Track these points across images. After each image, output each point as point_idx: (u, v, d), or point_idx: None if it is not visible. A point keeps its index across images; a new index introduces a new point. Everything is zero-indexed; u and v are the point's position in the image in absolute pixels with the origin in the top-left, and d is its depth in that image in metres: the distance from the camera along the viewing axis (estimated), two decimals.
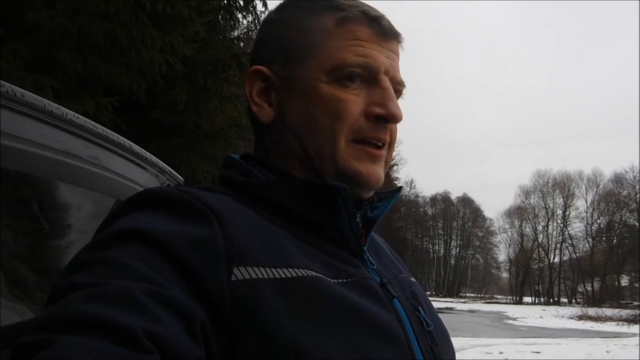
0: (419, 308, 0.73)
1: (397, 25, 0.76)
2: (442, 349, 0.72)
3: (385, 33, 0.72)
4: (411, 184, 68.46)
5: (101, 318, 0.46)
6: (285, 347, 0.55)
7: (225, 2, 7.86)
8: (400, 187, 0.84)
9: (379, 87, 0.71)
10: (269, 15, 0.80)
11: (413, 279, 0.83)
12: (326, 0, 0.74)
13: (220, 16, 7.73)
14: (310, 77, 0.71)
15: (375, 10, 0.73)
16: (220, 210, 0.61)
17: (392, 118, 0.71)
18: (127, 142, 1.47)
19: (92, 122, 1.31)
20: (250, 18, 8.17)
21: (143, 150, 1.57)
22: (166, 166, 1.73)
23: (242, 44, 8.16)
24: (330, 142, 0.70)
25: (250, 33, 8.38)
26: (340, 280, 0.64)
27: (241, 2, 8.03)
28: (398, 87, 0.74)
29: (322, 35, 0.71)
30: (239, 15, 8.15)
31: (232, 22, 8.16)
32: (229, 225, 0.60)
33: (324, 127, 0.70)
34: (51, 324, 0.46)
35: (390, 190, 0.80)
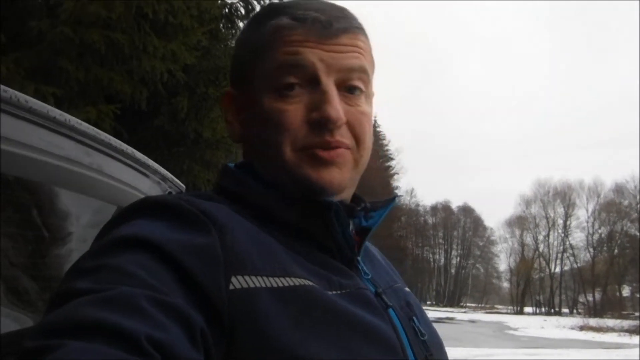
0: (414, 317, 0.73)
1: (367, 20, 0.74)
2: (437, 358, 0.72)
3: (324, 31, 0.68)
4: (412, 193, 68.55)
5: (105, 323, 0.46)
6: (283, 355, 0.55)
7: (227, 10, 7.91)
8: (395, 197, 0.84)
9: (319, 90, 0.68)
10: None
11: (407, 289, 0.83)
12: (269, 9, 0.73)
13: (221, 25, 7.78)
14: (257, 92, 0.72)
15: (317, 9, 0.70)
16: (218, 219, 0.61)
17: (327, 121, 0.67)
18: (130, 149, 1.46)
19: (95, 129, 1.30)
20: None
21: (145, 157, 1.56)
22: (168, 173, 1.72)
23: None
24: (275, 154, 0.69)
25: None
26: (335, 292, 0.64)
27: (242, 11, 8.09)
28: (351, 75, 0.70)
29: (262, 46, 0.71)
30: (241, 24, 8.20)
31: (234, 31, 8.21)
32: (226, 234, 0.60)
33: (269, 141, 0.70)
34: (55, 328, 0.46)
35: (386, 200, 0.80)
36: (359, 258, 0.74)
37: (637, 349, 17.73)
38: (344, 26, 0.70)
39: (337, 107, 0.67)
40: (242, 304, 0.56)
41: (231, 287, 0.56)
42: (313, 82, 0.69)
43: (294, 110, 0.68)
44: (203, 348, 0.52)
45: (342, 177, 0.70)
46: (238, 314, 0.55)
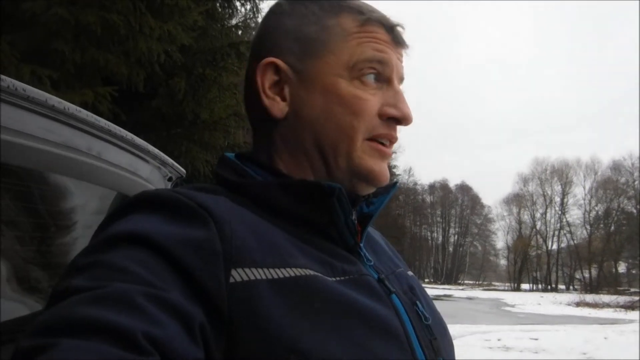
0: (417, 302, 0.74)
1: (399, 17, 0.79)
2: (441, 342, 0.72)
3: (398, 40, 0.75)
4: (409, 172, 68.75)
5: (101, 321, 0.46)
6: (284, 347, 0.55)
7: None
8: (396, 182, 0.84)
9: (392, 89, 0.74)
10: (280, 5, 0.77)
11: (410, 273, 0.84)
12: (345, 1, 0.76)
13: (218, 4, 7.67)
14: (330, 73, 0.71)
15: (391, 19, 0.78)
16: (216, 211, 0.61)
17: (405, 120, 0.74)
18: (130, 135, 1.46)
19: (94, 116, 1.30)
20: (248, 6, 8.13)
21: (145, 142, 1.56)
22: (168, 158, 1.72)
23: (240, 32, 8.11)
24: (348, 138, 0.71)
25: (248, 21, 8.33)
26: (337, 278, 0.65)
27: None
28: (401, 84, 0.78)
29: (344, 33, 0.73)
30: (237, 4, 8.09)
31: (231, 11, 8.10)
32: (225, 226, 0.60)
33: (343, 124, 0.71)
34: (51, 327, 0.46)
35: (386, 186, 0.80)
36: (361, 244, 0.74)
37: (633, 324, 17.96)
38: (406, 42, 0.77)
39: (410, 108, 0.74)
40: (243, 297, 0.56)
41: (231, 280, 0.56)
42: (387, 80, 0.74)
43: (373, 101, 0.72)
44: (203, 343, 0.52)
45: (388, 172, 0.76)
46: (239, 307, 0.55)
